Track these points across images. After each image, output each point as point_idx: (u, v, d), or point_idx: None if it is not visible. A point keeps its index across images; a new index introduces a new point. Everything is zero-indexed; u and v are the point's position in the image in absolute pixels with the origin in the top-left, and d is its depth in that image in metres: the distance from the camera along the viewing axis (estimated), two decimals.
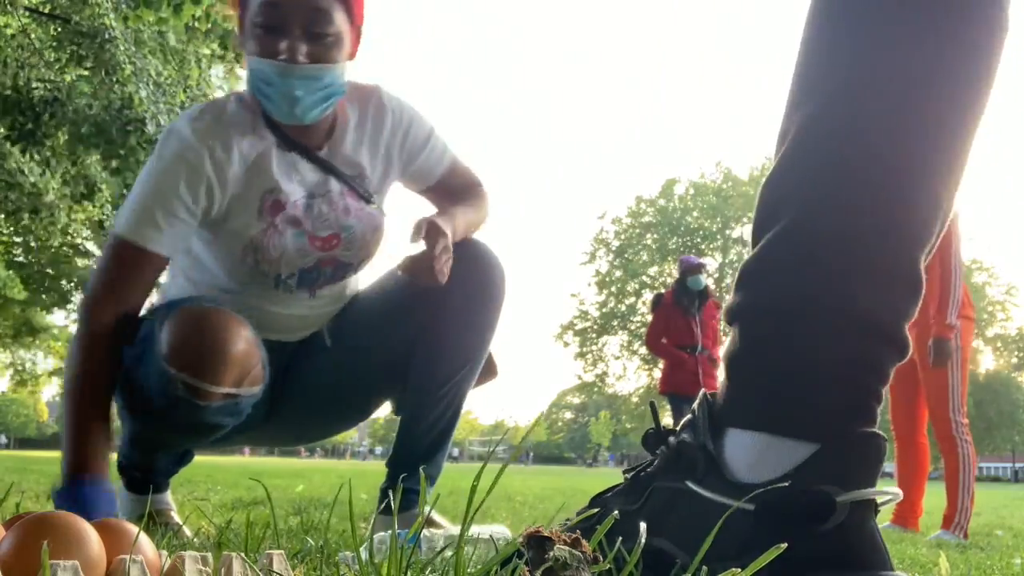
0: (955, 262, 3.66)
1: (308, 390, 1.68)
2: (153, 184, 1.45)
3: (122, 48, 7.49)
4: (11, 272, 13.36)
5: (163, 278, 1.71)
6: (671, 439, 0.75)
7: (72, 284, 20.03)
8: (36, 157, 8.56)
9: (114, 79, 7.54)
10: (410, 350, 1.65)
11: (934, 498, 4.01)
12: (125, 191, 9.14)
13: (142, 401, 1.43)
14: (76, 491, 1.36)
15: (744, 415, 0.69)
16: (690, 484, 0.69)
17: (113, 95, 7.63)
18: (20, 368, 25.20)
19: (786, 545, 0.53)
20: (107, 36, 7.43)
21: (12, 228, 10.37)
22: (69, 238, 10.77)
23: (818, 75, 0.72)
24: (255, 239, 1.53)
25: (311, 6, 1.38)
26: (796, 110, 0.73)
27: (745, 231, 41.19)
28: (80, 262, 19.33)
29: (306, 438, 1.88)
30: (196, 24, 5.89)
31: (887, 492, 0.65)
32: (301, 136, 1.53)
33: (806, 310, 0.69)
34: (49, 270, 18.47)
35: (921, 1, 0.69)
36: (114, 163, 8.29)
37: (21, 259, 17.08)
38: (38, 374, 25.78)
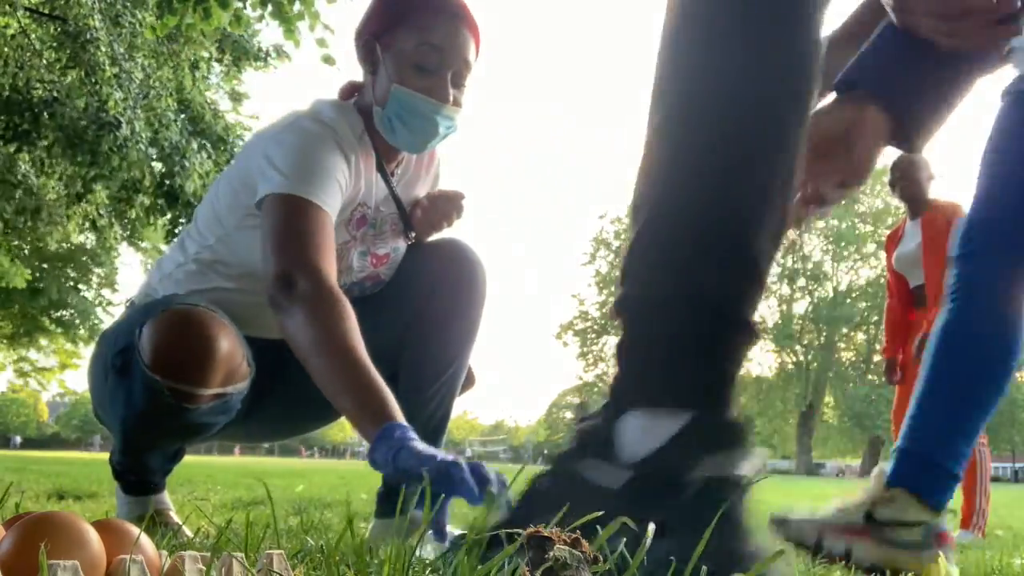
0: None
1: (292, 388, 1.67)
2: (307, 149, 1.43)
3: (104, 50, 7.44)
4: (14, 262, 13.25)
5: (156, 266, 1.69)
6: (580, 424, 0.83)
7: (71, 284, 20.04)
8: (28, 157, 8.54)
9: (93, 80, 7.49)
10: (395, 352, 1.66)
11: None
12: (118, 193, 9.11)
13: (129, 408, 1.41)
14: (396, 432, 1.16)
15: (628, 397, 0.77)
16: (580, 466, 0.76)
17: (90, 98, 7.58)
18: (23, 364, 25.18)
19: (784, 550, 0.54)
20: (88, 36, 7.38)
21: (20, 227, 10.33)
22: (70, 238, 10.76)
23: (662, 87, 0.83)
24: (337, 248, 1.55)
25: (463, 57, 1.52)
26: (648, 122, 0.83)
27: None
28: (80, 260, 19.34)
29: (285, 435, 1.88)
30: (229, 27, 5.81)
31: (748, 465, 0.70)
32: (386, 156, 1.61)
33: (662, 299, 0.78)
34: (46, 266, 18.46)
35: (745, 14, 0.79)
36: (92, 172, 8.15)
37: (32, 262, 17.08)
38: (41, 368, 25.74)
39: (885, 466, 1.44)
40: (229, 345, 1.38)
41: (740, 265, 0.78)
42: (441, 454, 1.13)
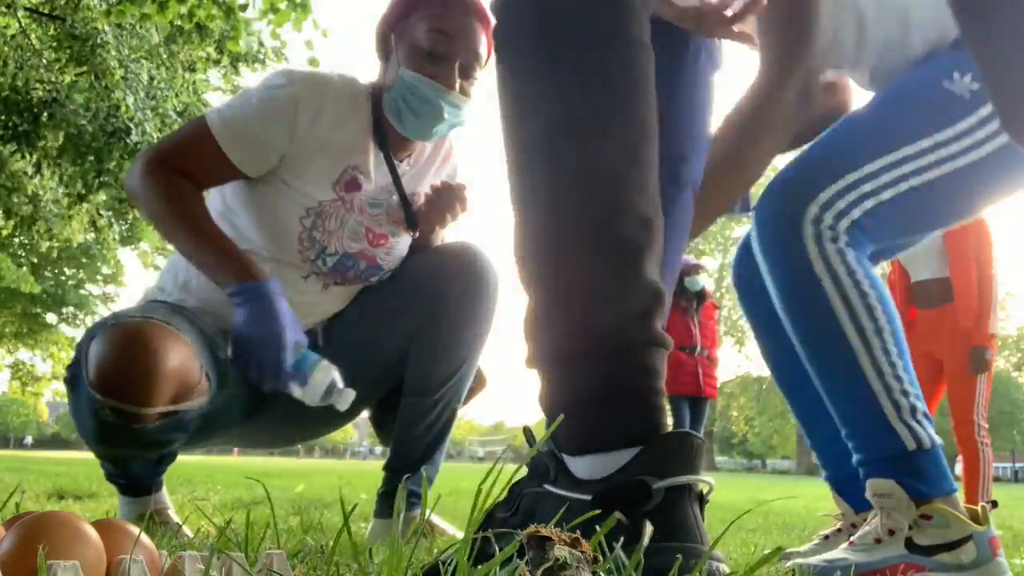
0: (992, 271, 3.71)
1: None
2: (259, 106, 1.51)
3: (113, 53, 7.44)
4: (22, 269, 13.23)
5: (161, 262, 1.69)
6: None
7: (74, 283, 20.04)
8: (28, 158, 8.51)
9: (103, 84, 7.47)
10: (403, 354, 1.66)
11: None
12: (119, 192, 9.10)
13: (79, 422, 1.39)
14: (257, 288, 1.41)
15: (570, 446, 0.79)
16: (547, 486, 0.80)
17: (101, 102, 7.56)
18: (19, 369, 25.11)
19: (784, 549, 0.54)
20: (99, 40, 7.38)
21: (21, 233, 10.30)
22: (71, 238, 10.73)
23: (507, 146, 0.87)
24: (323, 204, 1.57)
25: (473, 48, 1.55)
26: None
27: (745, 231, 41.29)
28: (83, 260, 19.33)
29: (290, 440, 1.86)
30: (180, 22, 5.89)
31: (701, 479, 0.74)
32: (396, 146, 1.62)
33: (562, 348, 0.80)
34: (48, 270, 18.46)
35: (565, 57, 0.81)
36: (102, 178, 8.15)
37: (31, 260, 17.05)
38: (38, 376, 25.67)
39: (881, 485, 1.17)
40: (180, 362, 1.32)
41: (632, 288, 0.79)
42: (290, 333, 1.39)
